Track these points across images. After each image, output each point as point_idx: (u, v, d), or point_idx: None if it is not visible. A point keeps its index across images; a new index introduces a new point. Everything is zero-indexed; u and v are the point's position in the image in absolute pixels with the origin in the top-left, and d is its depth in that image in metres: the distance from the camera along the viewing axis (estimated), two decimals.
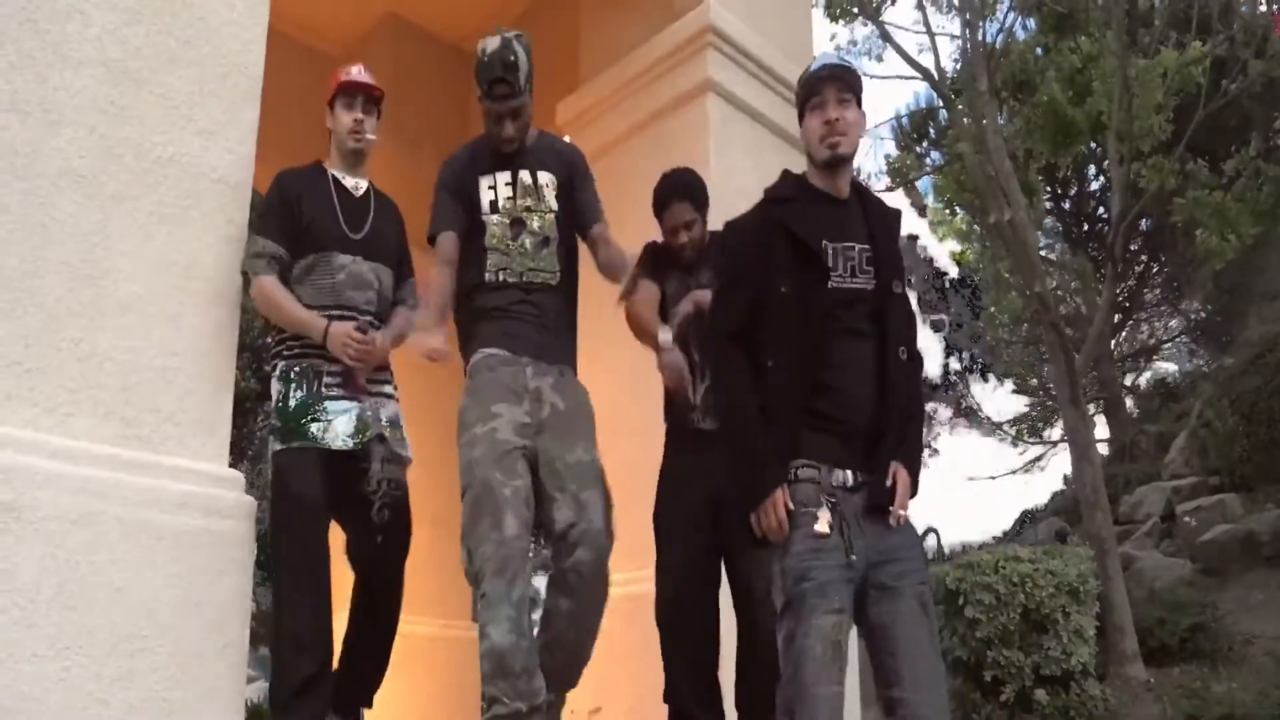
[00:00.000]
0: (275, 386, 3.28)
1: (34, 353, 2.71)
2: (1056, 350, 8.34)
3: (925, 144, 18.43)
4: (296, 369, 3.26)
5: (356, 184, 3.53)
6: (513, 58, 3.26)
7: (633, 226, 3.76)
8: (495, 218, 3.31)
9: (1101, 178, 17.39)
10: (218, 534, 2.95)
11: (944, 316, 22.15)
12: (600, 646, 3.19)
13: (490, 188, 3.34)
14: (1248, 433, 11.30)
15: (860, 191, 2.83)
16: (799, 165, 5.77)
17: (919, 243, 23.18)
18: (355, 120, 3.49)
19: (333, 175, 3.50)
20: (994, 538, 15.16)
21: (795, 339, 2.60)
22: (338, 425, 3.22)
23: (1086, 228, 18.94)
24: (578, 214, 3.43)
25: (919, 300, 22.27)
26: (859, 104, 2.74)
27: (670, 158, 4.46)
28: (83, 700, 2.60)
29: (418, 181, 4.07)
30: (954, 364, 22.67)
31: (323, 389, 3.25)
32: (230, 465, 3.11)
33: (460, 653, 6.73)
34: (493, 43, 3.28)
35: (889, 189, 12.96)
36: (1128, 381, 20.62)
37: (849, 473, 2.54)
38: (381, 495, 3.26)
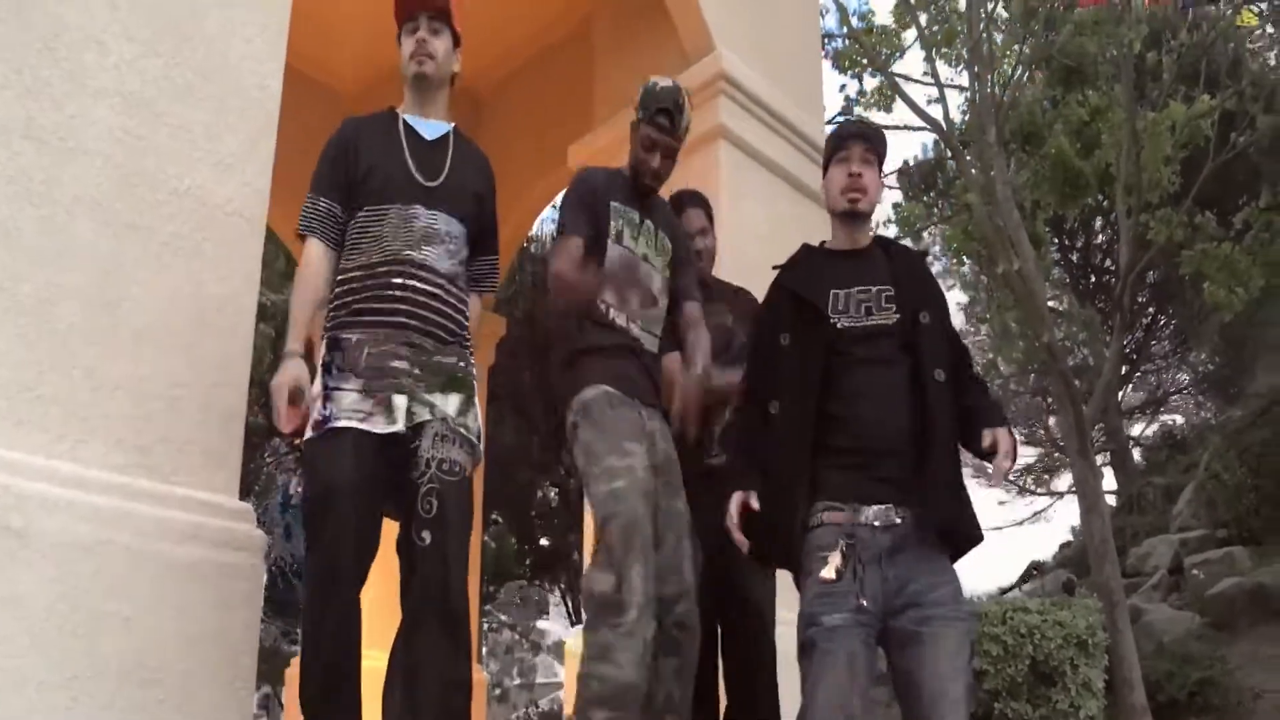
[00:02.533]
0: (322, 356, 2.87)
1: (46, 380, 2.72)
2: (1065, 401, 8.32)
3: (933, 194, 18.56)
4: (344, 340, 2.84)
5: (434, 126, 3.09)
6: (682, 102, 3.31)
7: None
8: (619, 249, 3.21)
9: (1109, 229, 17.44)
10: (227, 567, 2.94)
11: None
12: None
13: (619, 217, 3.23)
14: (1256, 485, 11.25)
15: (884, 243, 2.94)
16: (808, 211, 5.91)
17: None
18: (418, 41, 3.03)
19: (404, 119, 3.07)
20: (1000, 589, 15.02)
21: (795, 379, 2.68)
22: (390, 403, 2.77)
23: (1094, 279, 18.99)
24: (679, 287, 3.38)
25: None
26: (880, 170, 2.87)
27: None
28: None
29: None
30: None
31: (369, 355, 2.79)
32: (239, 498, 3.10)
33: None
34: (665, 81, 3.34)
35: (897, 239, 12.97)
36: (1135, 433, 20.60)
37: (880, 508, 2.52)
38: (429, 479, 2.74)
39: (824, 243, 2.96)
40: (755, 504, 2.67)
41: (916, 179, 18.97)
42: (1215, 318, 12.80)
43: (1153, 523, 14.85)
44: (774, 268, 3.01)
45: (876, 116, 12.78)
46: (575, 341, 3.16)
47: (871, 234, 2.93)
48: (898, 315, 2.70)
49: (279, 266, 10.78)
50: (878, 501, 2.53)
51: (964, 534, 2.62)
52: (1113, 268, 17.32)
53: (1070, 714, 6.60)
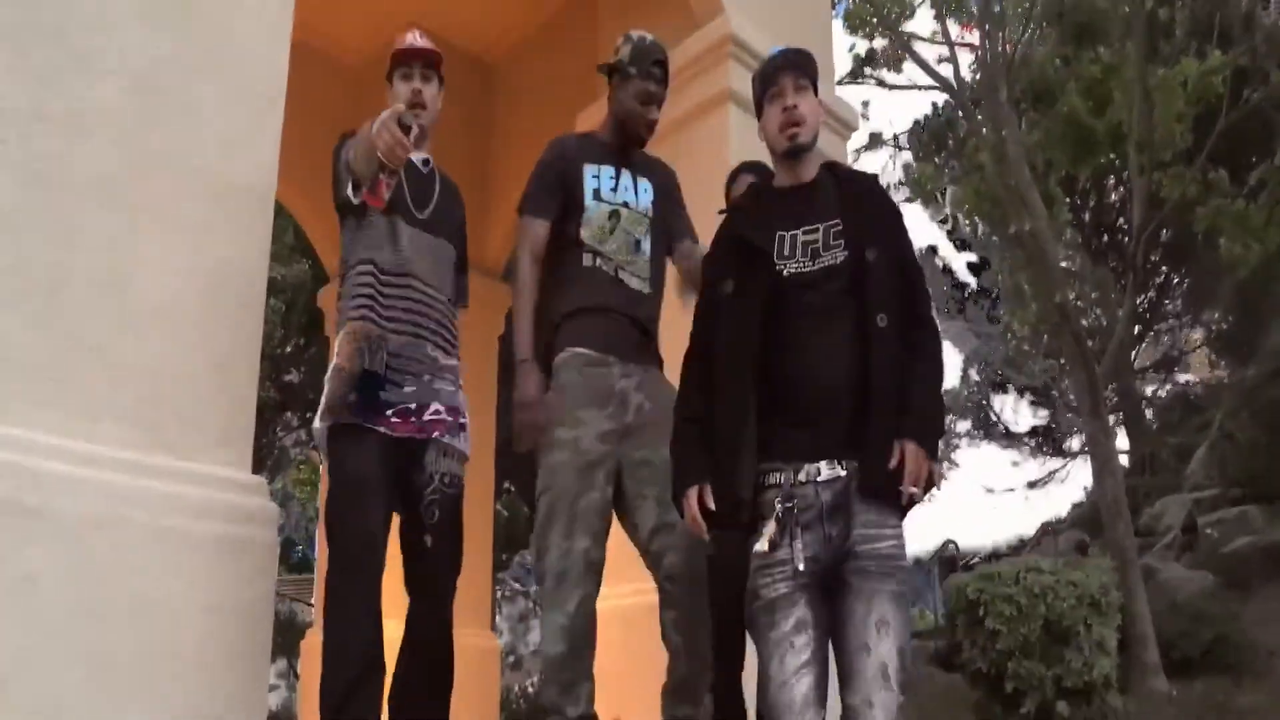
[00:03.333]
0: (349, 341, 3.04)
1: (59, 360, 2.73)
2: (1077, 361, 8.31)
3: (944, 154, 18.43)
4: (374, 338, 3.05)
5: (425, 159, 3.33)
6: (665, 55, 3.39)
7: None
8: (594, 203, 3.26)
9: (1121, 189, 17.32)
10: (241, 540, 2.95)
11: (962, 327, 22.14)
12: (617, 656, 3.19)
13: (594, 177, 3.29)
14: (1269, 444, 11.23)
15: (834, 170, 2.78)
16: None
17: (937, 254, 23.25)
18: (413, 91, 3.23)
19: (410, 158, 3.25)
20: (1010, 546, 15.03)
21: (736, 332, 2.56)
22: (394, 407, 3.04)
23: (1106, 239, 18.88)
24: (671, 227, 3.42)
25: (937, 309, 22.24)
26: (815, 92, 2.74)
27: (691, 166, 4.46)
28: (105, 707, 2.60)
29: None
30: (973, 375, 22.69)
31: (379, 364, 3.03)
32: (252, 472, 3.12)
33: (475, 661, 6.74)
34: (649, 35, 3.38)
35: (908, 200, 12.92)
36: (1148, 393, 20.52)
37: (820, 465, 2.41)
38: (432, 490, 3.09)
39: (771, 178, 2.84)
40: (710, 500, 2.51)
41: (927, 139, 18.87)
42: (1229, 276, 12.72)
43: (1166, 483, 14.87)
44: (720, 212, 3.00)
45: (887, 76, 12.72)
46: (558, 303, 3.20)
47: (820, 163, 2.76)
48: (845, 253, 2.54)
49: (287, 240, 10.76)
50: (820, 457, 2.42)
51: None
52: (1126, 226, 17.22)
53: (1084, 673, 6.63)
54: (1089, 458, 8.56)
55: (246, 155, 3.22)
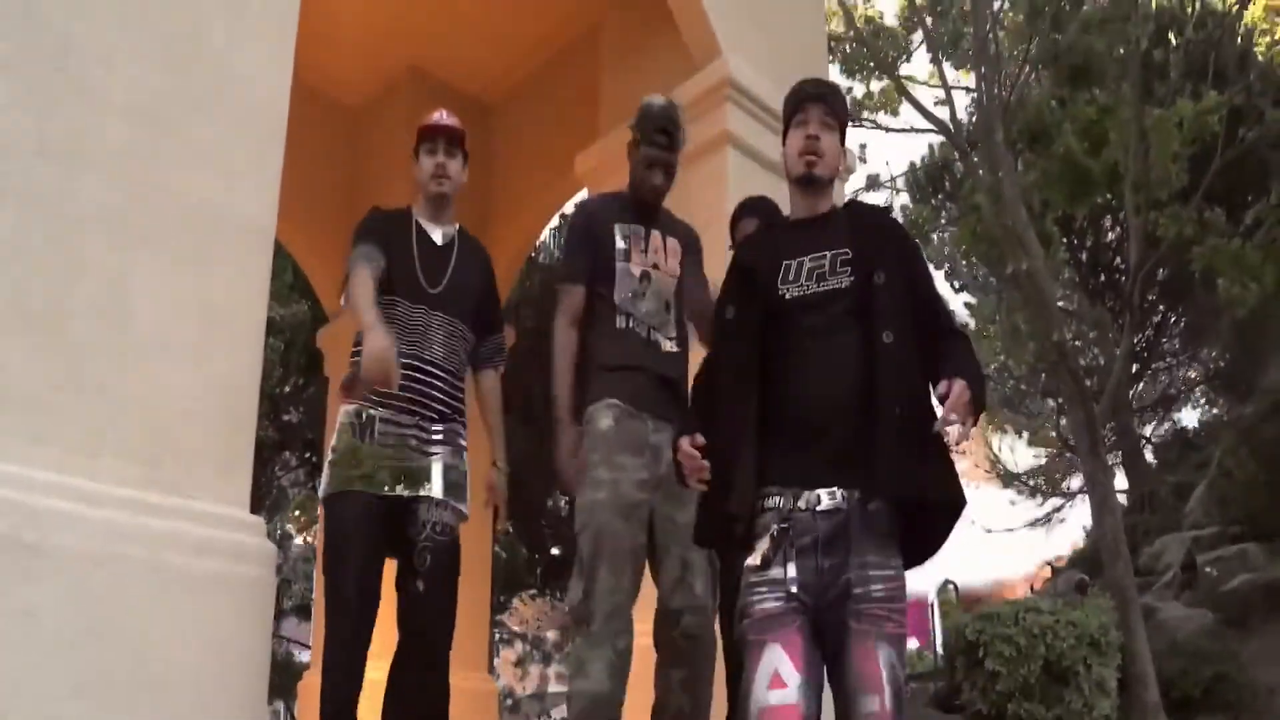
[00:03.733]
0: (341, 420, 3.32)
1: (59, 395, 2.73)
2: (1075, 400, 8.31)
3: (940, 196, 18.54)
4: (362, 411, 3.28)
5: (444, 232, 3.53)
6: (677, 118, 3.50)
7: None
8: (625, 266, 3.33)
9: (1118, 228, 17.40)
10: (239, 579, 2.94)
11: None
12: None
13: (625, 238, 3.36)
14: (1268, 481, 11.20)
15: (849, 206, 2.82)
16: None
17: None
18: (437, 165, 3.49)
19: (417, 222, 3.50)
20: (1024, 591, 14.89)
21: (733, 355, 2.58)
22: (392, 470, 3.23)
23: (1103, 278, 18.91)
24: (693, 287, 3.47)
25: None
26: (842, 134, 2.74)
27: (690, 209, 4.47)
28: None
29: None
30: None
31: (378, 432, 3.25)
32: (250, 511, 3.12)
33: (472, 703, 6.67)
34: (660, 100, 3.51)
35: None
36: (1146, 432, 20.52)
37: (820, 493, 2.35)
38: (424, 538, 3.22)
39: (777, 214, 2.90)
40: (700, 439, 2.44)
41: (924, 181, 18.99)
42: (1226, 314, 12.76)
43: (1165, 521, 14.81)
44: (730, 247, 3.04)
45: (884, 119, 12.81)
46: (594, 359, 3.28)
47: (835, 202, 2.76)
48: (852, 278, 2.51)
49: (286, 279, 10.79)
50: (820, 484, 2.37)
51: (935, 499, 2.42)
52: (1123, 265, 17.26)
53: (1084, 714, 6.59)
54: (1088, 497, 8.54)
55: (247, 190, 3.24)
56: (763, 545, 2.38)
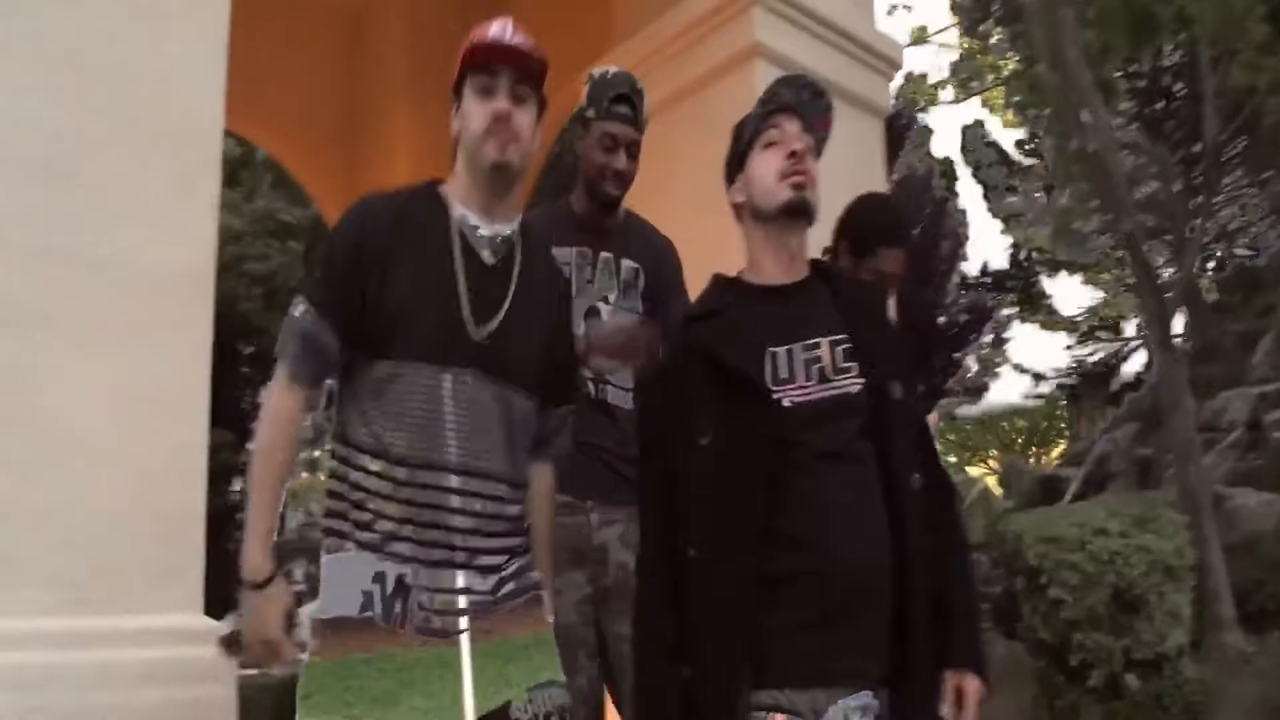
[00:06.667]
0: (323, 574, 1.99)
1: None
2: (1145, 289, 7.66)
3: (991, 21, 17.29)
4: (373, 568, 1.92)
5: (496, 233, 2.08)
6: (640, 87, 2.78)
7: (675, 214, 3.21)
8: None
9: (1178, 53, 16.14)
10: (192, 704, 2.53)
11: (1013, 202, 21.19)
12: None
13: (564, 264, 2.56)
14: None
15: (821, 269, 2.15)
16: (864, 128, 5.21)
17: (983, 125, 22.19)
18: (497, 115, 2.03)
19: (458, 217, 2.07)
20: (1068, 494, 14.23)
21: (726, 509, 1.87)
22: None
23: (1162, 105, 17.73)
24: (665, 321, 2.72)
25: (985, 188, 21.31)
26: (819, 157, 2.11)
27: (713, 136, 3.84)
28: None
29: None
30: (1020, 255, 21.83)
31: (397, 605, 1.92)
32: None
33: None
34: (612, 68, 2.78)
35: (955, 102, 12.07)
36: (1208, 268, 19.63)
37: (851, 702, 1.77)
38: None
39: (741, 274, 2.13)
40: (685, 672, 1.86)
41: (971, 8, 17.69)
42: None
43: (1228, 373, 14.18)
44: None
45: None
46: None
47: (808, 261, 2.13)
48: (860, 382, 1.92)
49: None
50: (848, 683, 1.78)
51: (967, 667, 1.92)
52: (1183, 92, 16.17)
53: (1155, 644, 6.19)
54: (1157, 391, 7.99)
55: (174, 231, 2.70)
56: None
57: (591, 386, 2.63)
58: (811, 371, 1.93)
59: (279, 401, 1.99)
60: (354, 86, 7.11)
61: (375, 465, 1.93)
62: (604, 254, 2.72)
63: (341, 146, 6.98)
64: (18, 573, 2.37)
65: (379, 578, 1.90)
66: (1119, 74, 15.30)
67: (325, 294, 2.00)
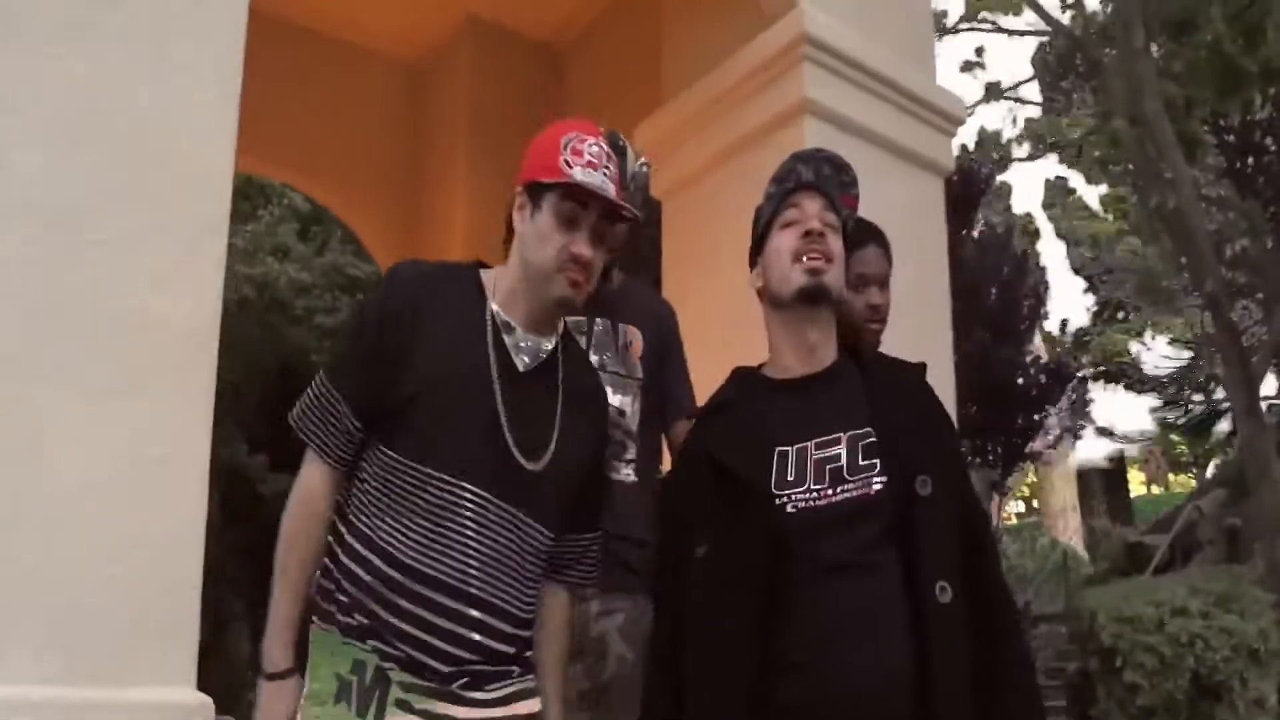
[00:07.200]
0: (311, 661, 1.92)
1: None
2: (1230, 352, 7.34)
3: (1072, 79, 16.97)
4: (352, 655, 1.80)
5: (539, 347, 1.90)
6: (621, 144, 2.54)
7: (719, 276, 3.07)
8: None
9: (1268, 107, 15.66)
10: None
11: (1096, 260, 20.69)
12: None
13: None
14: None
15: (857, 355, 1.95)
16: (920, 183, 5.04)
17: (1066, 181, 21.75)
18: (577, 256, 1.85)
19: (498, 324, 1.88)
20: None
21: (717, 621, 1.68)
22: None
23: (1252, 161, 17.21)
24: (666, 394, 2.60)
25: (1067, 245, 20.82)
26: (845, 237, 1.94)
27: (763, 191, 3.75)
28: None
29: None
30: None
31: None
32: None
33: None
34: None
35: (1031, 157, 11.82)
36: None
37: None
38: None
39: (761, 366, 1.98)
40: None
41: (1055, 65, 17.38)
42: None
43: None
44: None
45: (1004, 20, 11.56)
46: None
47: (838, 347, 1.94)
48: (883, 480, 1.71)
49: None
50: None
51: None
52: (1274, 146, 15.67)
53: None
54: (1244, 460, 7.61)
55: (181, 290, 2.62)
56: None
57: None
58: (824, 473, 1.73)
59: (306, 480, 1.89)
60: (412, 141, 7.12)
61: (372, 559, 1.80)
62: (600, 320, 2.55)
63: (399, 202, 6.97)
64: (7, 638, 2.29)
65: (358, 667, 1.78)
66: (1205, 128, 14.95)
67: (345, 371, 1.89)
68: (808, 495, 1.72)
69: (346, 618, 1.80)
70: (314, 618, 1.87)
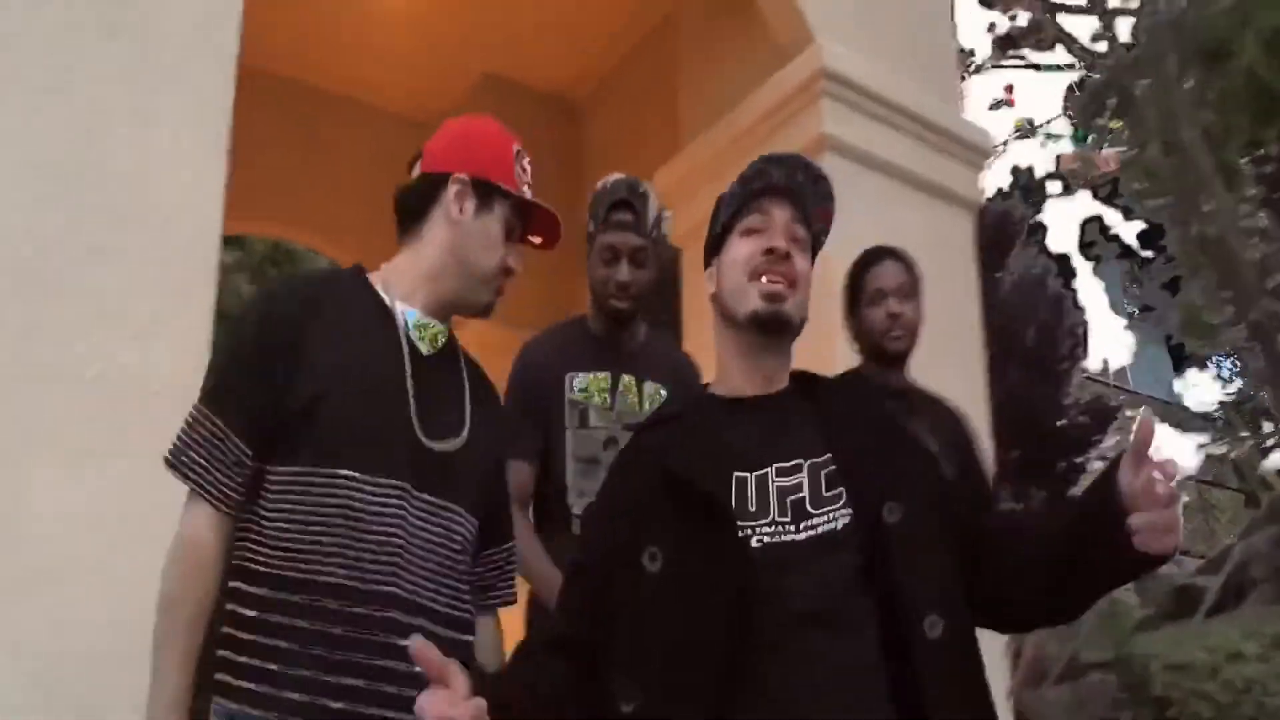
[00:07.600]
0: None
1: None
2: (1277, 385, 7.10)
3: (1106, 114, 16.78)
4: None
5: (439, 333, 1.85)
6: (643, 190, 2.58)
7: None
8: (585, 434, 2.46)
9: None
10: None
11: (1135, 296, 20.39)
12: None
13: (582, 390, 2.48)
14: None
15: (804, 380, 1.70)
16: (943, 216, 4.90)
17: (1102, 219, 21.52)
18: (512, 268, 1.89)
19: (395, 311, 1.82)
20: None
21: (671, 655, 1.42)
22: None
23: None
24: None
25: (1105, 283, 20.55)
26: (814, 250, 1.69)
27: None
28: None
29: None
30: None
31: None
32: None
33: None
34: (613, 176, 2.60)
35: (1064, 194, 11.66)
36: None
37: None
38: None
39: (707, 386, 1.75)
40: None
41: (1088, 101, 17.19)
42: None
43: None
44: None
45: (1034, 57, 11.45)
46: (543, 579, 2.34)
47: (789, 371, 1.70)
48: (848, 513, 1.50)
49: None
50: None
51: None
52: None
53: None
54: None
55: (165, 348, 2.54)
56: None
57: (578, 522, 2.38)
58: (786, 505, 1.51)
59: (190, 530, 1.67)
60: None
61: (293, 598, 1.60)
62: (625, 377, 2.51)
63: None
64: None
65: None
66: (1244, 159, 14.70)
67: (229, 395, 1.72)
68: (773, 529, 1.49)
69: (265, 686, 1.57)
70: (218, 698, 1.61)
